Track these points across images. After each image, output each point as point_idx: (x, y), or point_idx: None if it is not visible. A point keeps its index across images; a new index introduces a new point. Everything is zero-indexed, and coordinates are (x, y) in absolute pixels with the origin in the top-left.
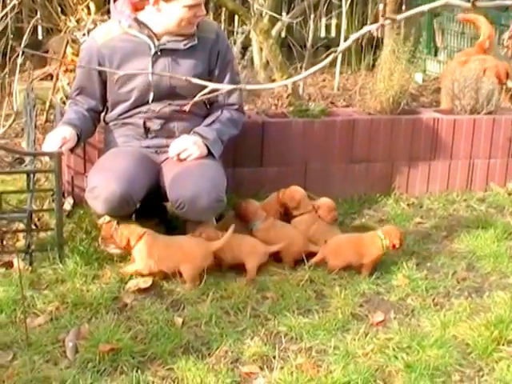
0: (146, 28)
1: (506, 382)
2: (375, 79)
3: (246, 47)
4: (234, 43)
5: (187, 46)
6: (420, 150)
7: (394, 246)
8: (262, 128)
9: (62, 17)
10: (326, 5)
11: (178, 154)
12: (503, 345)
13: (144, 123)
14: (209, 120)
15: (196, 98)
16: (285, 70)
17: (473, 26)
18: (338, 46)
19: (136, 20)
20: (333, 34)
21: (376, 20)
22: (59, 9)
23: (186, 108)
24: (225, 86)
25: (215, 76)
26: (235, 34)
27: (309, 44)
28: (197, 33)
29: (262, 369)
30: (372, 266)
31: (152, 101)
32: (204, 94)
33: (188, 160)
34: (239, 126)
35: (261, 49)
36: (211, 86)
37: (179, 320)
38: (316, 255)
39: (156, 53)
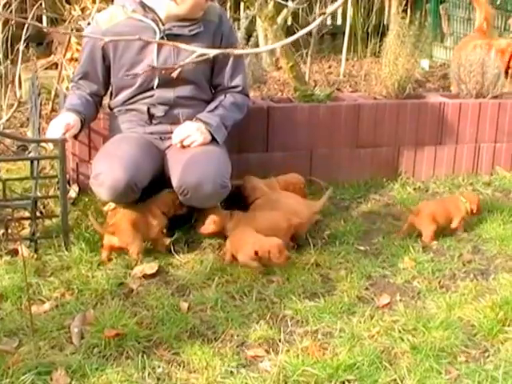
0: (152, 12)
1: (511, 363)
2: (380, 64)
3: (250, 33)
4: (239, 29)
5: (192, 32)
6: (426, 134)
7: (472, 211)
8: (267, 113)
9: (67, 6)
10: None
11: (182, 141)
12: (509, 326)
13: (148, 109)
14: (212, 105)
15: (186, 61)
16: (290, 57)
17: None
18: (343, 33)
19: (141, 4)
20: (339, 21)
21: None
22: None
23: (174, 74)
24: (214, 51)
25: (219, 58)
26: (241, 20)
27: (314, 31)
28: (202, 18)
29: (267, 352)
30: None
31: (157, 87)
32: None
33: (191, 147)
34: (243, 110)
35: (266, 35)
36: (200, 51)
37: (185, 305)
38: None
39: (161, 38)
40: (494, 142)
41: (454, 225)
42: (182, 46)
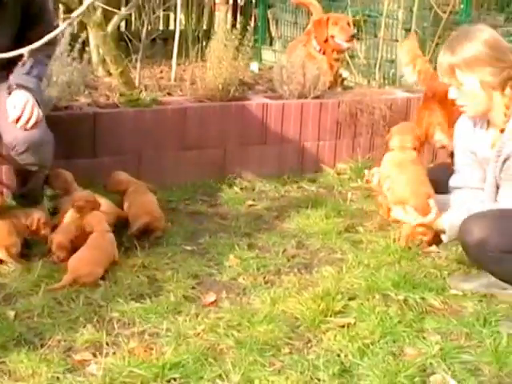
0: None
1: (333, 351)
2: (205, 68)
3: (76, 38)
4: (63, 35)
5: None
6: (251, 134)
7: None
8: (94, 119)
9: None
10: None
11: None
12: (330, 316)
13: None
14: (27, 65)
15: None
16: (119, 62)
17: (305, 16)
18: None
19: None
20: (171, 26)
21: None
22: None
23: None
24: None
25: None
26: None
27: (143, 36)
28: None
29: (94, 355)
30: None
31: None
32: None
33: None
34: (53, 51)
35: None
36: None
37: (11, 313)
38: None
39: None
40: (317, 140)
41: None
42: None
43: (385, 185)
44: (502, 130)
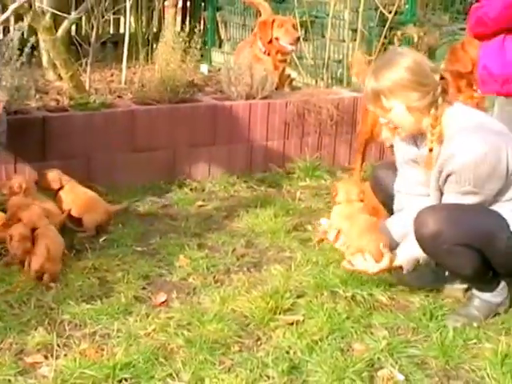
0: None
1: (282, 348)
2: (154, 71)
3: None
4: (12, 40)
5: None
6: (200, 135)
7: None
8: (43, 123)
9: None
10: (112, 1)
11: None
12: (279, 314)
13: None
14: None
15: None
16: (70, 67)
17: (254, 18)
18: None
19: None
20: (122, 30)
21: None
22: None
23: None
24: None
25: None
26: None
27: (93, 40)
28: None
29: (46, 358)
30: None
31: None
32: None
33: None
34: None
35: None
36: None
37: None
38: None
39: None
40: (266, 140)
41: None
42: None
43: (339, 241)
44: (431, 150)
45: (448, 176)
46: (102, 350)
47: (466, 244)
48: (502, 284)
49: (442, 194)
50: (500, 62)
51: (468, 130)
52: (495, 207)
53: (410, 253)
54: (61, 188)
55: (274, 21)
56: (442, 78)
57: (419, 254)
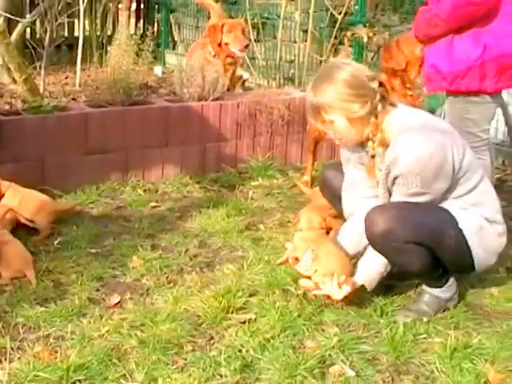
0: None
1: (234, 347)
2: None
3: None
4: None
5: None
6: (153, 137)
7: None
8: None
9: None
10: (65, 4)
11: None
12: (232, 313)
13: None
14: None
15: None
16: (24, 70)
17: (207, 20)
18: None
19: None
20: (76, 32)
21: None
22: None
23: None
24: None
25: None
26: None
27: (46, 43)
28: None
29: (0, 361)
30: None
31: None
32: None
33: None
34: None
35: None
36: None
37: None
38: None
39: None
40: (218, 141)
41: None
42: None
43: (308, 268)
44: (373, 156)
45: (395, 178)
46: (56, 352)
47: (415, 242)
48: (451, 280)
49: (390, 194)
50: (448, 60)
51: (412, 131)
52: (444, 205)
53: (370, 272)
54: (2, 196)
55: (223, 25)
56: (380, 84)
57: (380, 270)
